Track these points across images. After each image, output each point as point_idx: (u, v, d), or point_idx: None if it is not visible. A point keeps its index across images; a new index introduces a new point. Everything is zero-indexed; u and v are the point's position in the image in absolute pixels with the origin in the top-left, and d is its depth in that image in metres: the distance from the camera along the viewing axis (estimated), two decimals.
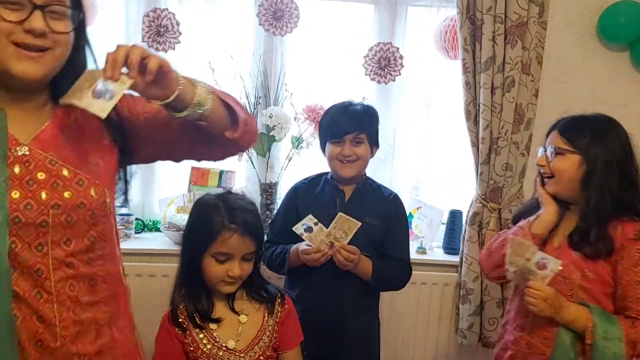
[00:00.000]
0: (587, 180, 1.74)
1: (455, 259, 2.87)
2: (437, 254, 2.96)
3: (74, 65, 1.20)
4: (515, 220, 2.00)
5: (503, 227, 2.72)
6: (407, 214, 2.58)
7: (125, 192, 1.37)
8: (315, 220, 2.02)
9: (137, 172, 1.42)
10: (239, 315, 1.71)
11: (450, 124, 2.94)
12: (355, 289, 2.12)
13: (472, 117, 2.66)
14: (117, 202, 1.35)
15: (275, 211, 2.70)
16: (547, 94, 2.75)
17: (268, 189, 2.83)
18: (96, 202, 1.21)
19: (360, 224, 2.00)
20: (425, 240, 2.91)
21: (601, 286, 1.72)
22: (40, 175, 1.16)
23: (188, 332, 1.66)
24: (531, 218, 1.86)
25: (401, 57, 2.74)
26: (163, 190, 2.91)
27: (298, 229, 2.02)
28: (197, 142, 1.36)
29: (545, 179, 1.85)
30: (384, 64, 2.75)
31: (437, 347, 2.93)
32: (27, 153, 1.16)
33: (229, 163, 2.29)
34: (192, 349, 1.64)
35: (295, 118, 2.77)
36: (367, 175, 2.27)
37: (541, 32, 2.64)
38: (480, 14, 2.54)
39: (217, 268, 1.65)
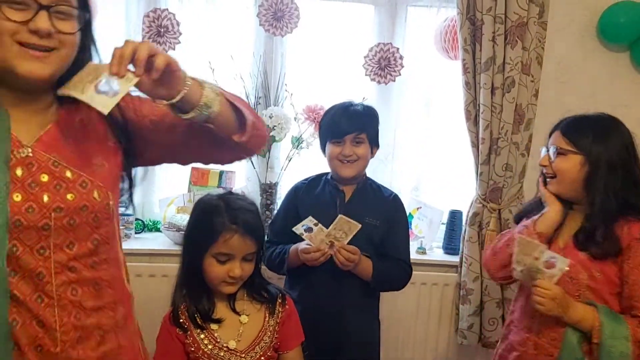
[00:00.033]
0: (590, 180, 1.73)
1: (455, 259, 2.87)
2: (437, 254, 2.96)
3: (80, 65, 1.17)
4: (517, 220, 2.00)
5: (503, 227, 2.73)
6: (407, 214, 2.57)
7: (131, 195, 1.35)
8: (315, 221, 2.02)
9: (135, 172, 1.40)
10: (240, 315, 1.71)
11: (450, 124, 2.94)
12: (356, 289, 2.12)
13: (472, 117, 2.67)
14: (122, 205, 1.33)
15: (275, 211, 2.70)
16: (547, 95, 2.75)
17: (268, 189, 2.83)
18: (99, 204, 1.19)
19: (360, 225, 2.00)
20: (425, 241, 2.91)
21: (608, 286, 1.72)
22: (43, 178, 1.14)
23: (189, 332, 1.66)
24: (535, 217, 1.85)
25: (401, 58, 2.74)
26: (163, 190, 2.91)
27: (298, 229, 2.02)
28: (204, 145, 1.33)
29: (548, 179, 1.84)
30: (384, 64, 2.75)
31: (437, 347, 2.94)
32: (30, 155, 1.14)
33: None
34: (193, 349, 1.64)
35: (295, 118, 2.77)
36: (367, 175, 2.27)
37: (541, 32, 2.64)
38: (480, 15, 2.55)
39: (218, 268, 1.65)
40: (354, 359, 2.17)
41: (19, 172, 1.12)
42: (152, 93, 1.14)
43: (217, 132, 1.25)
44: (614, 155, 1.72)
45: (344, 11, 2.90)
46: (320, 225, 2.01)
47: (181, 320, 1.67)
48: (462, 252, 2.80)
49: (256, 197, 2.79)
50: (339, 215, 2.01)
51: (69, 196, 1.15)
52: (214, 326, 1.67)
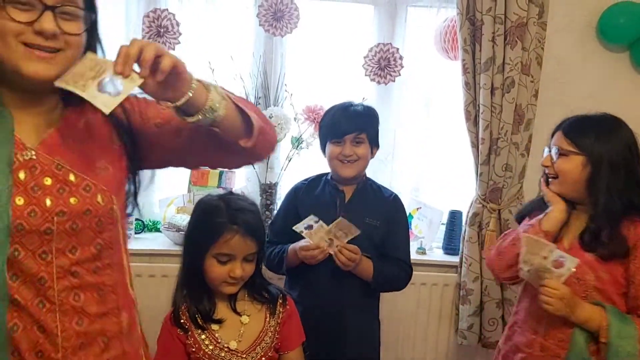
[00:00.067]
0: (593, 181, 1.73)
1: (455, 259, 2.88)
2: (437, 255, 2.96)
3: None
4: (518, 219, 2.00)
5: (503, 227, 2.73)
6: (407, 214, 2.58)
7: (135, 198, 1.32)
8: (317, 218, 2.02)
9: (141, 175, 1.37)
10: (240, 316, 1.71)
11: (450, 124, 2.94)
12: (356, 289, 2.12)
13: (472, 117, 2.67)
14: (128, 209, 1.31)
15: (275, 212, 2.70)
16: (547, 95, 2.75)
17: (268, 190, 2.83)
18: (103, 208, 1.17)
19: (359, 232, 2.00)
20: (425, 241, 2.92)
21: (614, 286, 1.72)
22: (47, 181, 1.12)
23: (190, 333, 1.66)
24: (540, 216, 1.84)
25: (401, 58, 2.74)
26: (163, 191, 2.91)
27: (298, 227, 2.02)
28: (210, 150, 1.29)
29: (550, 179, 1.84)
30: (384, 64, 2.75)
31: (437, 347, 2.94)
32: (34, 157, 1.12)
33: None
34: (194, 349, 1.64)
35: (295, 118, 2.76)
36: (367, 175, 2.27)
37: (541, 32, 2.64)
38: (480, 15, 2.55)
39: (219, 269, 1.65)
40: (354, 359, 2.17)
41: (21, 175, 1.10)
42: (156, 95, 1.11)
43: (223, 136, 1.23)
44: (616, 155, 1.72)
45: (343, 11, 2.90)
46: (321, 222, 2.01)
47: (182, 321, 1.67)
48: (462, 252, 2.80)
49: (256, 197, 2.79)
50: (340, 218, 2.01)
51: (72, 200, 1.13)
52: (215, 326, 1.67)
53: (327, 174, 2.27)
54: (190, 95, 1.11)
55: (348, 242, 2.01)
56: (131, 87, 1.05)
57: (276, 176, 2.85)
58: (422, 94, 2.98)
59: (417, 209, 2.97)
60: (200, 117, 1.14)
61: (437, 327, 2.92)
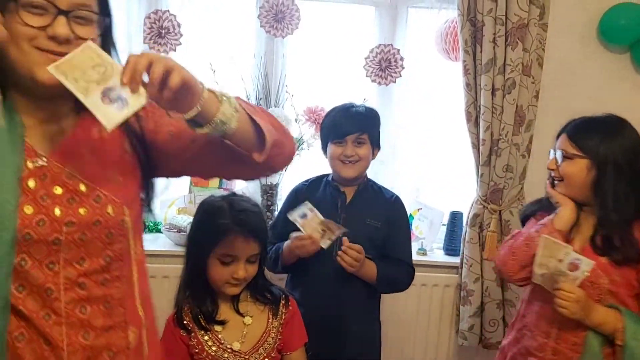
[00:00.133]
0: (599, 184, 1.72)
1: (455, 260, 2.87)
2: (438, 256, 2.96)
3: None
4: (523, 219, 1.98)
5: (504, 228, 2.73)
6: (408, 215, 2.58)
7: (149, 205, 1.30)
8: (311, 206, 2.01)
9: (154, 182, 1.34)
10: (243, 317, 1.71)
11: (450, 125, 2.94)
12: (357, 291, 2.12)
13: (473, 118, 2.67)
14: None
15: (276, 212, 2.70)
16: (548, 96, 2.75)
17: (269, 191, 2.83)
18: (113, 220, 1.14)
19: (347, 230, 2.00)
20: (426, 242, 2.91)
21: (626, 289, 1.71)
22: (57, 190, 1.10)
23: (193, 334, 1.66)
24: (551, 216, 1.82)
25: (402, 59, 2.74)
26: (163, 191, 2.90)
27: (292, 215, 2.02)
28: (225, 161, 1.25)
29: (556, 182, 1.83)
30: (385, 65, 2.75)
31: (438, 348, 2.94)
32: (45, 164, 1.09)
33: None
34: (197, 351, 1.64)
35: (296, 120, 2.76)
36: (368, 177, 2.27)
37: (542, 34, 2.64)
38: (481, 16, 2.55)
39: (222, 270, 1.65)
40: None
41: (31, 183, 1.08)
42: (165, 107, 1.08)
43: (236, 148, 1.19)
44: (621, 157, 1.71)
45: (344, 12, 2.90)
46: (315, 211, 2.00)
47: (185, 322, 1.67)
48: (463, 253, 2.80)
49: (257, 198, 2.78)
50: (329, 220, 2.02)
51: (81, 210, 1.11)
52: (217, 328, 1.67)
53: (327, 175, 2.27)
54: (199, 109, 1.07)
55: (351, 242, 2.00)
56: (138, 103, 1.01)
57: (277, 177, 2.84)
58: (423, 95, 2.98)
59: (418, 209, 2.97)
60: (209, 129, 1.10)
61: (437, 328, 2.92)
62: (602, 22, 2.74)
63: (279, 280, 2.30)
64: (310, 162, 2.75)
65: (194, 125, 1.11)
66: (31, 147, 1.09)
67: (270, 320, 1.73)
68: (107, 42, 1.16)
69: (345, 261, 1.99)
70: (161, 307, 1.77)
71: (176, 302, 1.72)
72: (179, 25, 2.64)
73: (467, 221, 2.79)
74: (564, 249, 1.68)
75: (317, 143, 2.33)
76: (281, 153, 1.26)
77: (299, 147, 2.77)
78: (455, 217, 2.92)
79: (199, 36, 2.78)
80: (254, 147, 1.19)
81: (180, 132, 1.22)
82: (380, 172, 2.89)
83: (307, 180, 2.31)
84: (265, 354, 1.69)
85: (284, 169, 1.41)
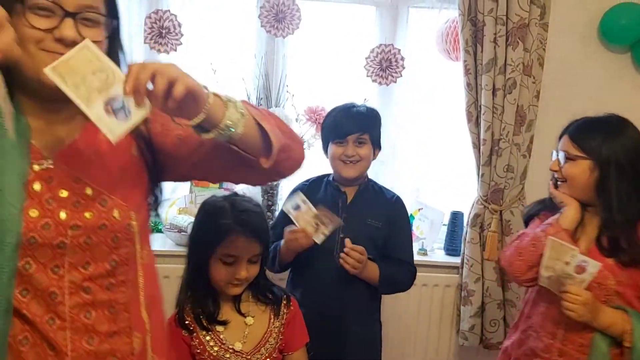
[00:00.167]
0: (602, 184, 1.71)
1: (456, 260, 2.87)
2: (438, 256, 2.96)
3: None
4: (527, 219, 1.97)
5: (504, 228, 2.73)
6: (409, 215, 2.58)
7: (156, 210, 1.28)
8: (304, 198, 2.00)
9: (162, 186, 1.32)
10: (245, 317, 1.71)
11: (451, 125, 2.94)
12: (360, 293, 2.12)
13: (474, 118, 2.67)
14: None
15: (276, 212, 2.70)
16: (549, 96, 2.75)
17: (269, 191, 2.82)
18: (119, 224, 1.13)
19: (341, 222, 1.99)
20: (427, 242, 2.91)
21: (633, 289, 1.71)
22: (62, 193, 1.09)
23: (195, 334, 1.66)
24: (556, 216, 1.81)
25: (402, 59, 2.74)
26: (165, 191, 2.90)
27: (286, 206, 2.01)
28: (232, 166, 1.23)
29: (559, 183, 1.82)
30: (386, 65, 2.74)
31: (438, 348, 2.94)
32: (52, 167, 1.08)
33: None
34: (198, 351, 1.64)
35: (296, 119, 2.76)
36: (369, 177, 2.27)
37: (543, 33, 2.64)
38: (482, 16, 2.55)
39: (224, 270, 1.65)
40: None
41: (37, 186, 1.07)
42: (170, 114, 1.07)
43: (243, 153, 1.17)
44: (623, 157, 1.70)
45: (345, 12, 2.90)
46: (308, 204, 1.99)
47: (187, 322, 1.67)
48: (464, 253, 2.80)
49: (257, 198, 2.78)
50: (320, 206, 2.00)
51: (87, 214, 1.10)
52: (219, 328, 1.68)
53: (328, 175, 2.27)
54: (204, 117, 1.05)
55: (343, 238, 2.00)
56: (141, 115, 0.99)
57: None
58: (423, 95, 2.98)
59: (419, 209, 2.96)
60: (216, 134, 1.08)
61: (438, 328, 2.92)
62: (603, 22, 2.74)
63: (279, 280, 2.30)
64: (311, 162, 2.75)
65: (200, 131, 1.09)
66: (37, 149, 1.08)
67: (272, 321, 1.73)
68: (114, 45, 1.14)
69: (348, 263, 1.99)
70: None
71: (177, 302, 1.72)
72: (179, 25, 2.63)
73: (467, 221, 2.79)
74: (570, 251, 1.67)
75: (318, 143, 2.33)
76: (289, 158, 1.24)
77: None
78: (456, 217, 2.92)
79: (200, 36, 2.78)
80: (261, 152, 1.17)
81: (189, 135, 1.19)
82: (380, 172, 2.89)
83: (307, 180, 2.31)
84: (266, 354, 1.69)
85: (293, 174, 1.37)
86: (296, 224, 1.99)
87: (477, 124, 2.66)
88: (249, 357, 1.66)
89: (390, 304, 2.72)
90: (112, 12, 1.12)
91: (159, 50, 2.62)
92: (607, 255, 1.72)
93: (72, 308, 1.10)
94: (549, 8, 2.62)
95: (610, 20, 2.72)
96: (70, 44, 1.01)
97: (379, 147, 2.22)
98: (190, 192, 2.80)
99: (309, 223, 1.97)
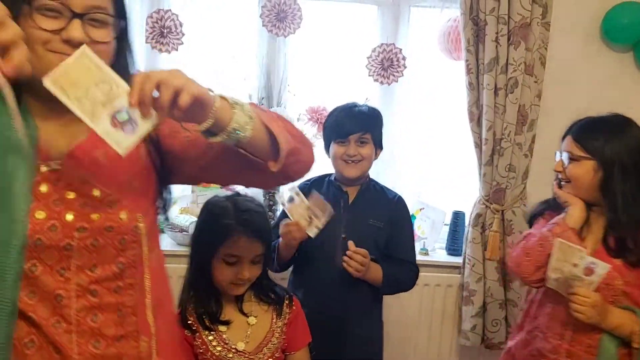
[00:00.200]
0: (606, 185, 1.71)
1: (458, 260, 2.87)
2: (440, 255, 2.96)
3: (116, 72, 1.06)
4: (530, 219, 1.97)
5: (506, 228, 2.73)
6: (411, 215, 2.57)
7: (165, 211, 1.27)
8: (297, 190, 1.99)
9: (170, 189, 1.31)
10: (247, 317, 1.71)
11: (453, 125, 2.94)
12: (363, 295, 2.12)
13: (475, 118, 2.66)
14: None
15: (277, 212, 2.70)
16: (551, 95, 2.75)
17: (271, 191, 2.82)
18: (126, 226, 1.12)
19: (332, 210, 1.96)
20: (428, 242, 2.91)
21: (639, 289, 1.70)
22: (69, 195, 1.08)
23: (197, 334, 1.65)
24: (561, 215, 1.80)
25: (404, 58, 2.74)
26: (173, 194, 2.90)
27: (280, 198, 2.01)
28: (241, 168, 1.21)
29: (563, 183, 1.82)
30: (387, 64, 2.74)
31: (440, 348, 2.94)
32: (59, 168, 1.07)
33: None
34: (201, 351, 1.64)
35: (298, 119, 2.76)
36: (370, 176, 2.27)
37: (544, 33, 2.64)
38: (484, 15, 2.55)
39: (227, 270, 1.64)
40: None
41: (43, 188, 1.06)
42: (177, 120, 1.05)
43: (251, 157, 1.16)
44: (627, 157, 1.69)
45: (346, 12, 2.90)
46: (301, 196, 1.97)
47: (189, 322, 1.67)
48: (465, 253, 2.80)
49: (259, 198, 2.78)
50: (313, 191, 1.99)
51: (94, 216, 1.09)
52: (222, 328, 1.67)
53: (330, 174, 2.26)
54: (212, 122, 1.03)
55: (346, 240, 2.00)
56: (148, 126, 0.98)
57: None
58: (425, 95, 2.98)
59: (420, 209, 2.96)
60: (224, 137, 1.07)
61: (440, 328, 2.92)
62: (605, 21, 2.74)
63: (281, 280, 2.30)
64: None
65: (207, 135, 1.07)
66: (45, 150, 1.07)
67: (274, 320, 1.73)
68: (122, 45, 1.13)
69: (351, 266, 1.99)
70: None
71: (180, 302, 1.71)
72: (180, 25, 2.63)
73: (469, 221, 2.79)
74: (578, 252, 1.66)
75: (319, 143, 2.32)
76: (298, 161, 1.22)
77: None
78: (458, 217, 2.92)
79: (201, 36, 2.78)
80: (269, 156, 1.16)
81: (197, 138, 1.17)
82: (382, 171, 2.88)
83: (309, 180, 2.30)
84: (269, 354, 1.68)
85: (302, 177, 1.35)
86: (290, 217, 1.98)
87: (479, 123, 2.66)
88: (251, 357, 1.66)
89: (392, 304, 2.72)
90: (120, 13, 1.10)
91: (160, 50, 2.62)
92: (615, 255, 1.71)
93: (79, 311, 1.09)
94: (550, 7, 2.62)
95: (612, 20, 2.72)
96: (78, 45, 1.00)
97: (381, 147, 2.21)
98: (192, 191, 2.79)
99: (302, 216, 1.96)
